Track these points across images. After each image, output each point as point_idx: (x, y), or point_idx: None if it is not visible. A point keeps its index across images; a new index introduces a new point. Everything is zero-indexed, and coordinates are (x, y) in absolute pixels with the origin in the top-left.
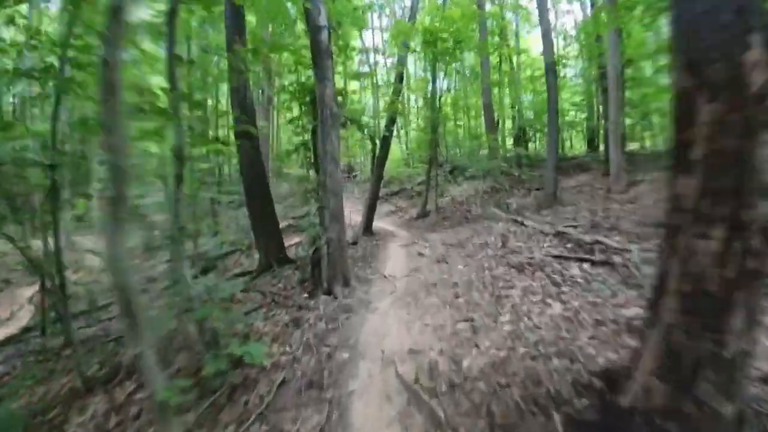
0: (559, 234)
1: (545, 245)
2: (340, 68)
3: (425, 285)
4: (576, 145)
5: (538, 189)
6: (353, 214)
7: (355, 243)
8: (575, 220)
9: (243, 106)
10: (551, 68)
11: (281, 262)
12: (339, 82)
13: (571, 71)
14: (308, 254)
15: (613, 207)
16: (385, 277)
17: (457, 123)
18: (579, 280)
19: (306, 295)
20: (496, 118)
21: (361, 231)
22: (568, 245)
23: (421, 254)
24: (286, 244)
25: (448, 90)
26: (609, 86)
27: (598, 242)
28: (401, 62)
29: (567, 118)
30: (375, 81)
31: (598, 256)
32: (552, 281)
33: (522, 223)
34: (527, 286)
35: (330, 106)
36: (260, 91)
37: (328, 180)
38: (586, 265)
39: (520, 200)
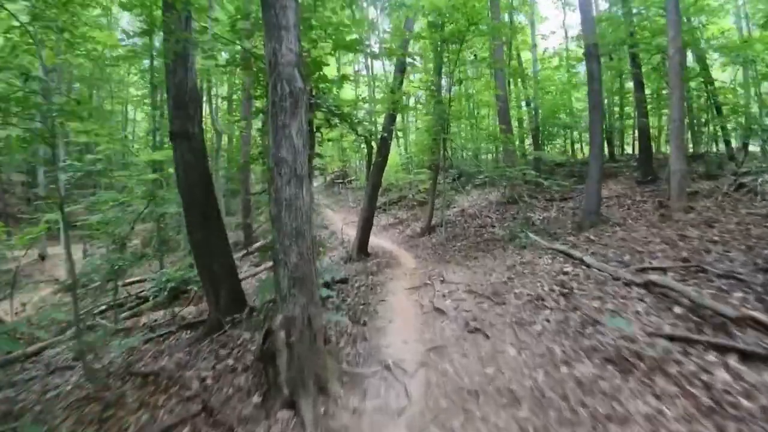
0: (649, 286)
1: (638, 308)
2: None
3: (459, 394)
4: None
5: (563, 200)
6: (347, 228)
7: (344, 281)
8: (651, 254)
9: (180, 93)
10: (593, 53)
11: (237, 321)
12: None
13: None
14: (258, 341)
15: (692, 234)
16: (387, 368)
17: (467, 120)
18: (743, 401)
19: (259, 398)
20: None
21: (355, 251)
22: (676, 310)
23: (439, 311)
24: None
25: (460, 81)
26: (669, 75)
27: (749, 320)
28: (404, 43)
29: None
30: (371, 64)
31: (747, 340)
32: (694, 403)
33: (581, 261)
34: (655, 415)
35: (289, 78)
36: (242, 88)
37: (285, 213)
38: (734, 361)
39: (543, 215)
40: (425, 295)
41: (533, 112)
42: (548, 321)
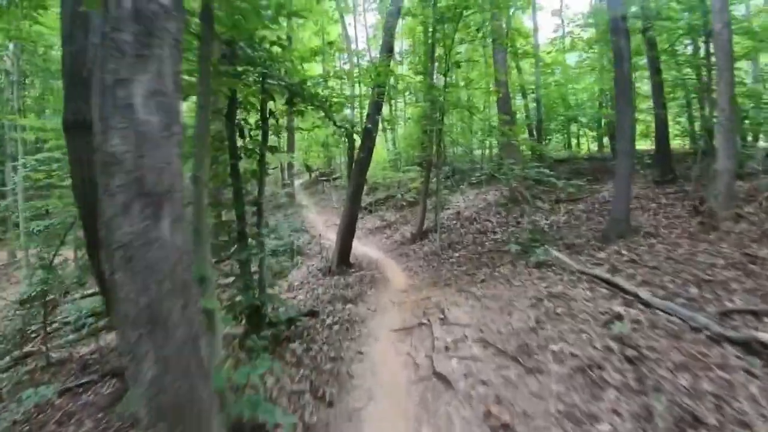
0: (751, 345)
1: (752, 390)
2: None
3: None
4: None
5: (570, 201)
6: (329, 231)
7: (314, 314)
8: (724, 286)
9: (77, 67)
10: (621, 27)
11: None
12: None
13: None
14: None
15: (761, 253)
16: None
17: (463, 111)
18: None
19: None
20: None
21: (335, 262)
22: None
23: (443, 379)
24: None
25: (457, 65)
26: (716, 55)
27: None
28: (392, 14)
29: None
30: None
31: None
32: None
33: (636, 297)
34: None
35: None
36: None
37: (126, 274)
38: None
39: (551, 219)
40: (420, 344)
41: (535, 103)
42: (618, 414)
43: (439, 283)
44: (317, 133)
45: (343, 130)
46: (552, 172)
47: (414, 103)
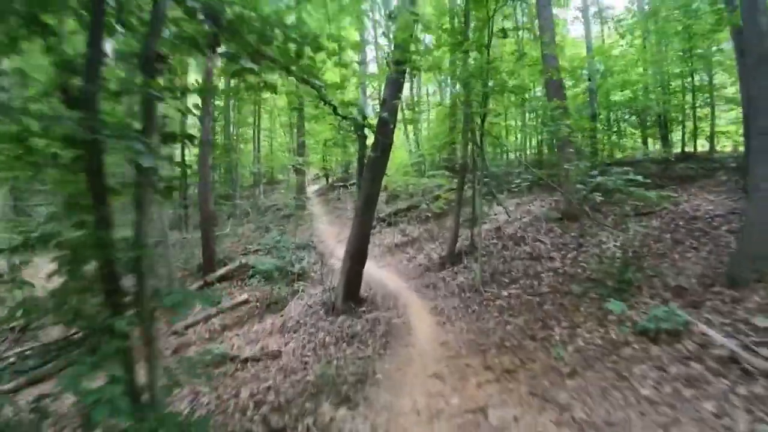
0: None
1: None
2: None
3: None
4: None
5: (640, 215)
6: (339, 247)
7: None
8: None
9: None
10: None
11: None
12: None
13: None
14: None
15: None
16: None
17: (513, 96)
18: None
19: None
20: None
21: (340, 298)
22: None
23: None
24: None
25: (503, 34)
26: None
27: None
28: None
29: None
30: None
31: None
32: None
33: None
34: None
35: None
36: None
37: None
38: None
39: (620, 240)
40: None
41: (589, 93)
42: None
43: (489, 352)
44: (316, 129)
45: (349, 122)
46: (642, 179)
47: (451, 76)
